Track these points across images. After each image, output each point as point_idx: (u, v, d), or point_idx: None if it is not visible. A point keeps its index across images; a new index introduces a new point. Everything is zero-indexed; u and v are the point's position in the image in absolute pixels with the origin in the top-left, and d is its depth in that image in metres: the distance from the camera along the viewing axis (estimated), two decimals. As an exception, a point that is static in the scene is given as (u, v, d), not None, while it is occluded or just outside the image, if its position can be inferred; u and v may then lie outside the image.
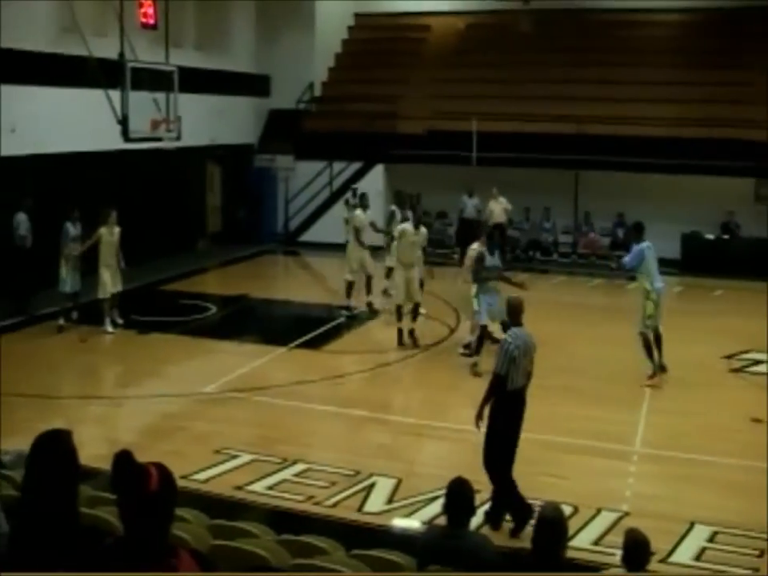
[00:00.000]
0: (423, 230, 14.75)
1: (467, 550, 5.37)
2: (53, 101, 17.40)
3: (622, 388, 12.21)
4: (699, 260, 20.92)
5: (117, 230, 14.92)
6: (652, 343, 12.38)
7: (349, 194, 21.01)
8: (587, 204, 22.57)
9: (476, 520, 7.72)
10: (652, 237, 12.80)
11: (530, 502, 7.97)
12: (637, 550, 5.09)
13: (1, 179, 16.57)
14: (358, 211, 17.24)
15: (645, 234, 12.63)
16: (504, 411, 7.93)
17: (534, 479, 8.96)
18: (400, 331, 14.21)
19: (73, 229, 14.75)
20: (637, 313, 12.51)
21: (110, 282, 14.76)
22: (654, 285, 12.27)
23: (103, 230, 14.73)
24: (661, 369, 12.50)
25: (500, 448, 7.99)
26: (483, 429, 8.08)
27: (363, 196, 17.71)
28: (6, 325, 14.86)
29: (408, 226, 14.52)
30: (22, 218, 15.35)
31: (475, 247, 13.46)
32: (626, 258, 12.64)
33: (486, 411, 8.03)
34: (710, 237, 21.50)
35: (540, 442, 9.99)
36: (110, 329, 14.74)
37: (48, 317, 15.21)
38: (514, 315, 8.22)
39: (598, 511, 8.35)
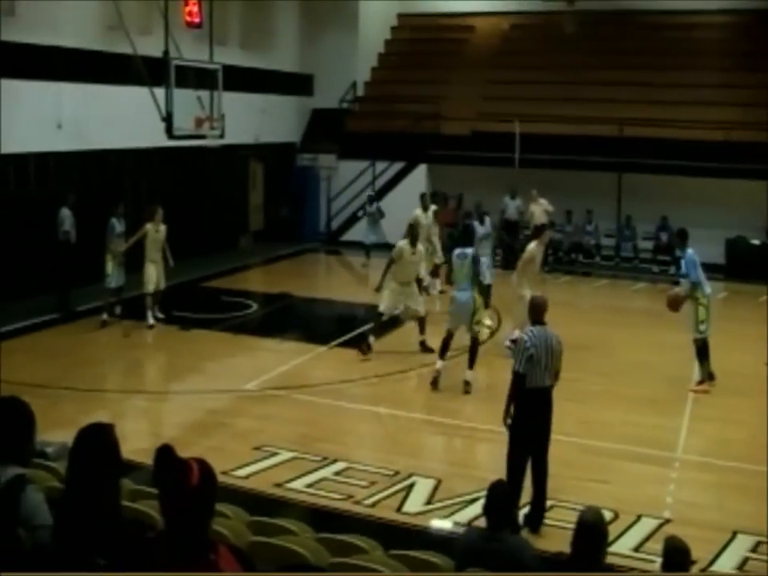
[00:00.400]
0: (420, 247, 14.02)
1: (506, 552, 5.33)
2: (99, 98, 17.57)
3: (665, 393, 12.06)
4: (744, 265, 20.61)
5: (163, 227, 15.05)
6: (708, 349, 12.18)
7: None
8: (630, 207, 22.34)
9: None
10: (695, 241, 12.63)
11: (573, 506, 7.89)
12: (677, 557, 5.00)
13: (47, 175, 16.80)
14: (418, 211, 17.35)
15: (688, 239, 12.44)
16: (525, 409, 7.91)
17: (575, 483, 8.91)
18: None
19: (118, 225, 14.92)
20: (689, 319, 12.30)
21: (154, 278, 14.91)
22: (704, 290, 12.14)
23: (149, 227, 14.87)
24: (710, 377, 12.31)
25: (519, 444, 7.93)
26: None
27: (423, 197, 18.08)
28: (51, 319, 15.04)
29: (405, 245, 13.65)
30: (66, 213, 15.50)
31: (532, 248, 13.49)
32: (688, 271, 12.24)
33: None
34: (756, 242, 21.20)
35: (582, 447, 9.95)
36: (151, 321, 14.93)
37: (92, 312, 15.37)
38: (536, 314, 8.17)
39: (639, 517, 8.24)
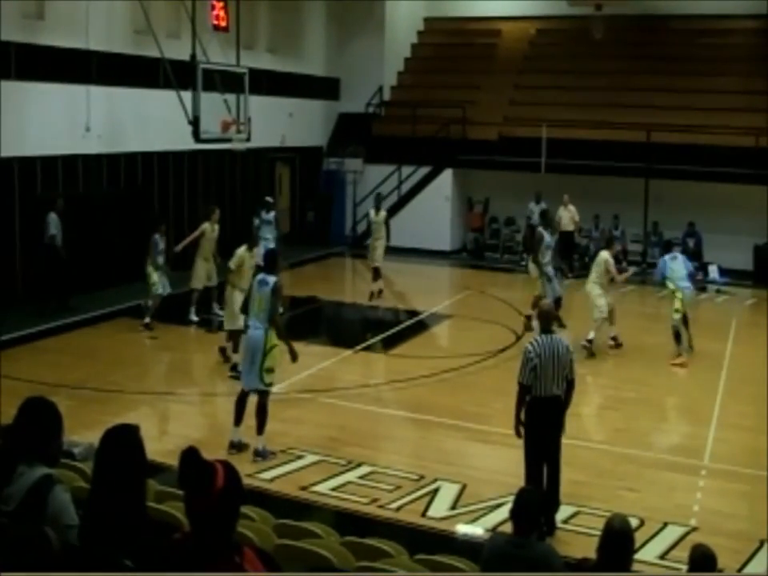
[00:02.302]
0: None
1: (533, 558, 5.27)
2: (127, 101, 17.71)
3: (695, 401, 12.01)
4: (773, 272, 20.40)
5: (217, 227, 15.24)
6: (682, 332, 13.79)
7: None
8: (657, 213, 22.17)
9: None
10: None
11: (601, 513, 7.83)
12: (703, 565, 4.94)
13: (76, 177, 16.89)
14: (371, 212, 17.44)
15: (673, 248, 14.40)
16: (532, 417, 7.89)
17: (603, 491, 8.89)
18: None
19: (161, 242, 14.86)
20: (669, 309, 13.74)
21: (203, 276, 15.20)
22: (678, 285, 13.82)
23: (206, 226, 15.12)
24: (689, 349, 13.85)
25: (531, 453, 7.94)
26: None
27: (378, 196, 18.47)
28: (81, 320, 15.12)
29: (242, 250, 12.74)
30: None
31: (606, 256, 14.18)
32: (656, 271, 14.62)
33: None
34: (785, 248, 20.98)
35: (611, 454, 9.94)
36: (194, 318, 15.26)
37: (121, 313, 15.43)
38: (543, 321, 8.12)
39: (665, 525, 8.16)
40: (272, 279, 9.58)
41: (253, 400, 9.66)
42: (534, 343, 7.90)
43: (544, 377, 7.81)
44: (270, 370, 9.52)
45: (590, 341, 13.98)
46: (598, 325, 14.10)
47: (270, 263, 9.95)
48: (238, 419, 9.74)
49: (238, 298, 11.89)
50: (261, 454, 9.53)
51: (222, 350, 13.20)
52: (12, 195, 15.58)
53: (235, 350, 12.45)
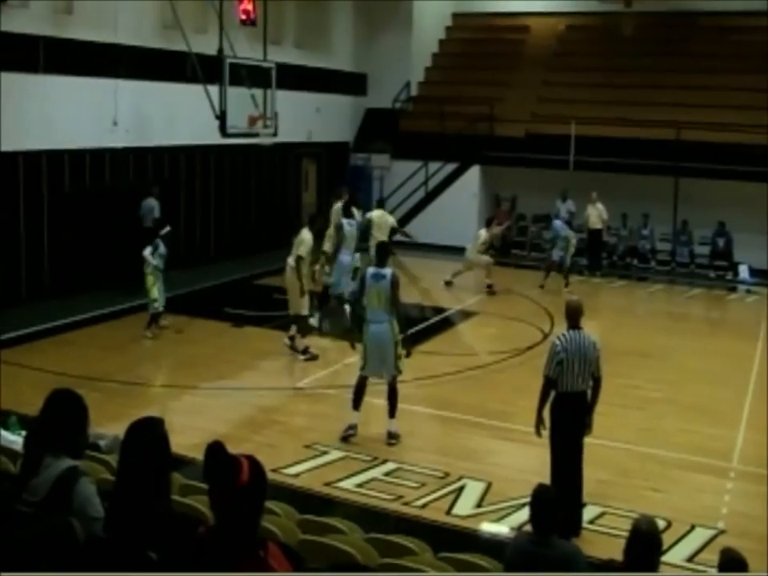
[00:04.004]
0: None
1: (559, 558, 5.24)
2: (154, 95, 17.77)
3: (722, 402, 11.89)
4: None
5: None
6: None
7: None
8: (686, 211, 21.98)
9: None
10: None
11: (627, 514, 7.77)
12: (733, 569, 4.88)
13: (102, 171, 16.96)
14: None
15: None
16: (558, 413, 7.89)
17: (630, 491, 8.85)
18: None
19: (162, 246, 14.04)
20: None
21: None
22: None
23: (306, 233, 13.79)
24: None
25: (558, 450, 7.96)
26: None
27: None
28: (108, 312, 15.20)
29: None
30: (153, 203, 16.42)
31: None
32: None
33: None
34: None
35: (639, 454, 9.88)
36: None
37: (146, 306, 15.48)
38: (571, 318, 8.07)
39: (693, 527, 8.09)
40: (387, 272, 9.97)
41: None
42: (561, 338, 7.91)
43: (570, 372, 7.80)
44: (400, 357, 10.03)
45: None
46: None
47: (382, 256, 10.24)
48: (358, 403, 10.09)
49: (303, 284, 12.98)
50: (394, 436, 9.99)
51: (292, 339, 13.37)
52: (40, 188, 15.68)
53: (303, 335, 13.25)
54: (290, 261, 13.31)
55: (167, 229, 14.35)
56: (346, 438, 9.97)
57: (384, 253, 10.35)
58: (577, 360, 7.80)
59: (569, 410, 7.89)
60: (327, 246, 15.72)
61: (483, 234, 18.65)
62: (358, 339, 10.34)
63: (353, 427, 10.08)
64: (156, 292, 13.93)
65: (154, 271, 13.86)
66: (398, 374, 10.09)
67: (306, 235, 13.27)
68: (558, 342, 7.88)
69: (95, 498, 3.80)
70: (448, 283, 18.77)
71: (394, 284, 9.87)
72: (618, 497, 8.53)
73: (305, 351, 13.25)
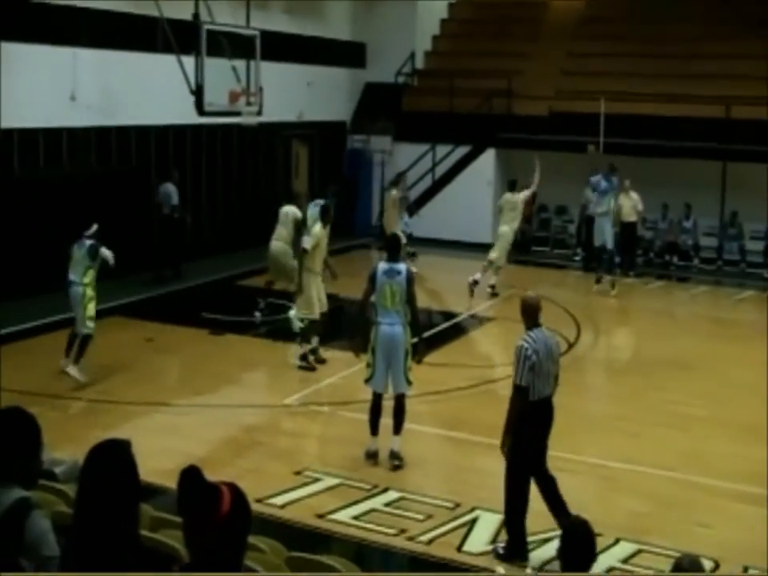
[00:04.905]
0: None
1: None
2: (118, 67, 17.73)
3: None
4: None
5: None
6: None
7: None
8: (736, 201, 21.97)
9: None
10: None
11: (667, 552, 7.74)
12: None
13: (59, 154, 16.94)
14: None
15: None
16: (529, 425, 8.04)
17: (670, 525, 8.85)
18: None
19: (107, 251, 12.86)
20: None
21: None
22: None
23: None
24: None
25: (522, 465, 8.11)
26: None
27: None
28: (69, 317, 15.14)
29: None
30: (171, 188, 17.52)
31: None
32: None
33: None
34: None
35: (680, 482, 9.85)
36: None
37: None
38: (530, 316, 8.23)
39: (746, 569, 8.06)
40: (402, 267, 10.05)
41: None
42: (528, 339, 8.03)
43: (542, 376, 8.02)
44: (410, 368, 10.08)
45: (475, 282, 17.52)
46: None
47: (394, 249, 10.28)
48: (375, 428, 10.15)
49: (312, 283, 13.03)
50: (399, 457, 10.03)
51: (304, 357, 13.38)
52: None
53: (304, 340, 13.40)
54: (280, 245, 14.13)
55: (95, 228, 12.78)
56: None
57: (396, 246, 10.43)
58: (545, 361, 8.01)
59: (543, 419, 8.11)
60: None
61: (513, 198, 18.49)
62: (362, 348, 10.30)
63: (372, 455, 10.11)
64: (93, 309, 12.61)
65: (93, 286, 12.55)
66: (408, 387, 10.14)
67: (317, 229, 13.15)
68: (526, 345, 7.98)
69: (49, 535, 3.78)
70: (476, 283, 17.95)
71: (410, 280, 9.98)
72: (657, 532, 8.50)
73: (303, 357, 13.32)
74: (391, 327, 9.91)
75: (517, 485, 8.10)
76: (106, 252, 12.57)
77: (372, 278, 10.11)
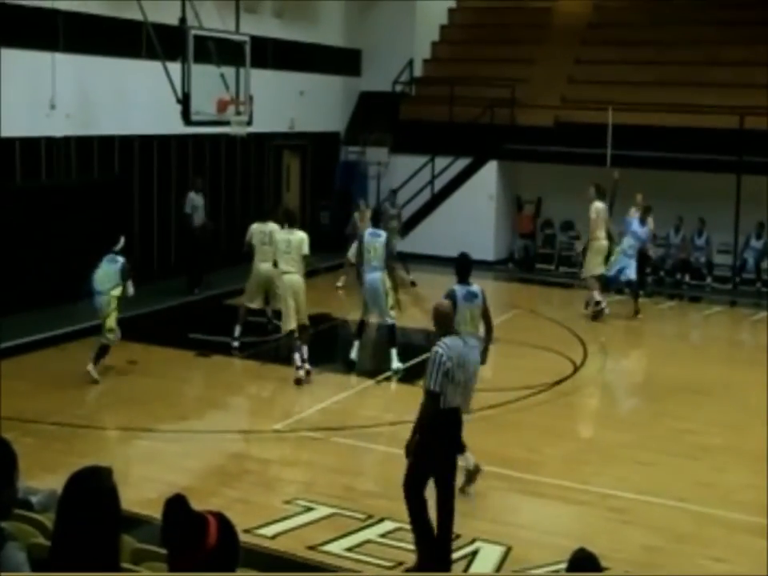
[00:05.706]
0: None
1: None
2: (101, 73, 17.76)
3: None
4: None
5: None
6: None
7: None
8: (752, 217, 21.97)
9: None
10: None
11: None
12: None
13: (39, 164, 16.93)
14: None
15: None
16: (436, 433, 8.15)
17: (684, 559, 8.81)
18: None
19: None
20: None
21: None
22: None
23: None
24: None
25: (422, 473, 8.24)
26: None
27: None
28: (42, 339, 15.11)
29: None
30: (189, 196, 18.43)
31: None
32: None
33: None
34: None
35: (695, 514, 9.81)
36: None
37: (91, 331, 15.41)
38: (443, 323, 8.44)
39: (766, 608, 8.05)
40: (477, 289, 10.96)
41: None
42: (443, 345, 8.17)
43: (453, 384, 8.15)
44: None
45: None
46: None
47: (465, 270, 11.11)
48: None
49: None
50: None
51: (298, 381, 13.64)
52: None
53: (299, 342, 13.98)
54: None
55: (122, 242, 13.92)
56: None
57: (468, 267, 11.03)
58: (457, 371, 8.15)
59: (450, 430, 8.29)
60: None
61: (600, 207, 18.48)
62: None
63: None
64: (114, 320, 13.52)
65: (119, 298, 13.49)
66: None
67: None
68: (441, 351, 8.12)
69: (25, 568, 3.74)
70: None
71: (484, 299, 10.86)
72: (670, 567, 8.49)
73: (301, 366, 13.57)
74: (474, 351, 10.07)
75: (411, 491, 8.23)
76: (130, 286, 13.51)
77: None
